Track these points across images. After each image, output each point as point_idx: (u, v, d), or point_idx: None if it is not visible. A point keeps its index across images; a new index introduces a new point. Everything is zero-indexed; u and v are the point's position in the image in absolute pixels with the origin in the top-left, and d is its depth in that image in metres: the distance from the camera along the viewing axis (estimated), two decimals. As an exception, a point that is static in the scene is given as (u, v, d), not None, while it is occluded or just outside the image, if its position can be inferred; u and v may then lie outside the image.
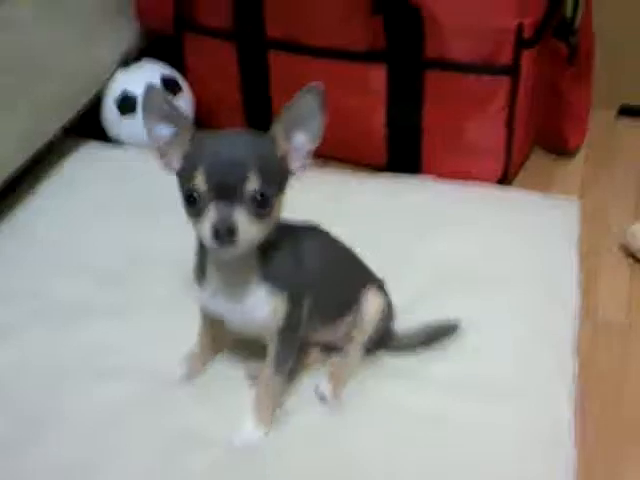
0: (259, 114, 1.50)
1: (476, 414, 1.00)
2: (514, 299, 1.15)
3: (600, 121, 1.58)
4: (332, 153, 1.43)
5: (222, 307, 0.93)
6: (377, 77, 1.38)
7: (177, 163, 0.86)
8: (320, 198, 1.30)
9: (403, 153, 1.43)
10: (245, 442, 0.96)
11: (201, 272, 0.92)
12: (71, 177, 1.43)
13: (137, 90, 1.43)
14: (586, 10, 1.41)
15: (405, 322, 1.08)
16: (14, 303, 1.17)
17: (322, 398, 1.00)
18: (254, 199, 0.83)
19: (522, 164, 1.47)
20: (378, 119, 1.41)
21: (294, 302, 0.93)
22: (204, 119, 1.54)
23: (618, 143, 1.56)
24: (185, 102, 1.49)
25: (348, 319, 1.03)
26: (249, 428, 0.97)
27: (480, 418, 0.99)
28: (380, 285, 1.06)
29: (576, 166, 1.50)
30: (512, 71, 1.31)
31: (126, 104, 1.45)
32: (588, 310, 1.18)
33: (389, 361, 1.07)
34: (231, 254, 0.84)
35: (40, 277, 1.22)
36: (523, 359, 1.07)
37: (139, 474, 0.93)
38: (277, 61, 1.44)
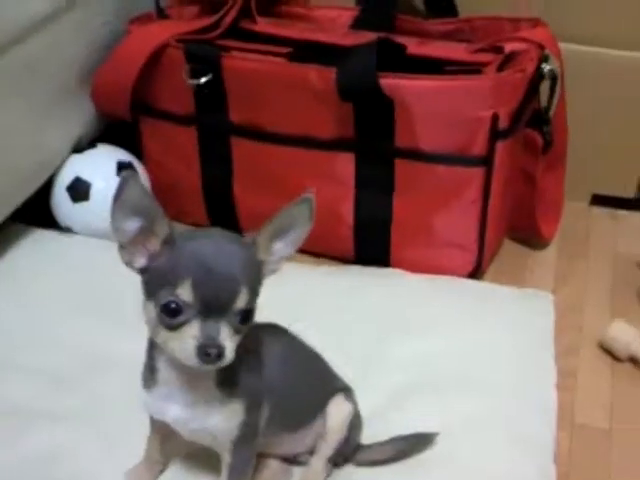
0: (219, 200, 1.51)
1: None
2: (489, 402, 1.14)
3: (573, 211, 1.61)
4: (298, 245, 1.45)
5: (173, 413, 0.90)
6: (345, 166, 1.39)
7: (144, 261, 0.84)
8: (283, 294, 1.25)
9: (371, 245, 1.44)
10: None
11: (151, 375, 0.90)
12: (16, 268, 1.39)
13: (90, 176, 1.43)
14: (560, 101, 1.45)
15: (374, 431, 1.06)
16: None
17: None
18: (241, 315, 0.83)
19: (494, 255, 1.48)
20: (346, 209, 1.42)
21: (250, 410, 0.91)
22: (162, 204, 1.54)
23: (591, 232, 1.60)
24: (142, 188, 1.49)
25: (312, 429, 1.00)
26: None
27: None
28: (347, 393, 1.03)
29: (550, 257, 1.53)
30: (486, 162, 1.33)
31: (78, 191, 1.44)
32: (566, 414, 1.17)
33: (356, 475, 1.04)
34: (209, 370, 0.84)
35: None
36: (500, 467, 1.05)
37: None
38: (240, 148, 1.45)
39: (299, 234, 0.87)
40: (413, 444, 1.05)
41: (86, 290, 1.35)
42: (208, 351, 0.79)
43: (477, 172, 1.34)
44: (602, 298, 1.43)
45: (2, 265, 1.40)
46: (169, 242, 0.83)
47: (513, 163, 1.40)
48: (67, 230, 1.49)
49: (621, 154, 1.63)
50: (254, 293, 0.84)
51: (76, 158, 1.48)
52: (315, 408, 1.00)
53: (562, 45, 1.46)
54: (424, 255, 1.42)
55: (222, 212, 1.52)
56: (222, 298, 0.82)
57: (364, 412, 1.05)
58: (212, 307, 0.81)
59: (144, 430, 1.01)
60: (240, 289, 0.82)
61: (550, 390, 1.18)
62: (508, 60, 1.36)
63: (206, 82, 1.40)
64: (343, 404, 1.01)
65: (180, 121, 1.48)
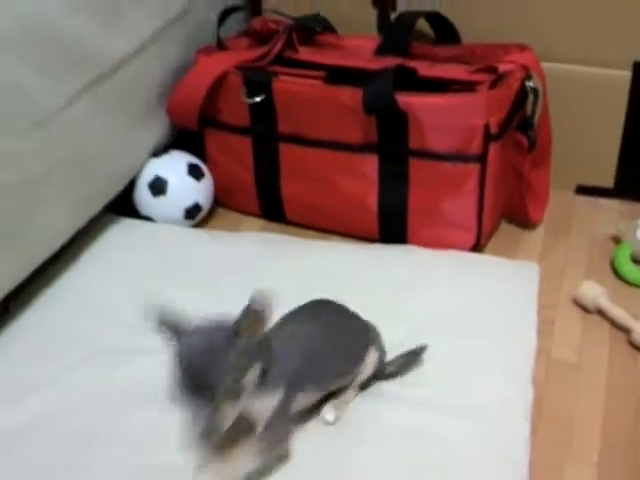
0: (269, 194, 1.89)
1: (448, 429, 1.32)
2: (483, 342, 1.49)
3: (560, 199, 1.95)
4: (334, 228, 1.85)
5: None
6: (370, 165, 1.73)
7: None
8: (323, 265, 1.70)
9: (392, 227, 1.78)
10: None
11: None
12: (107, 249, 1.76)
13: (166, 175, 1.83)
14: (544, 110, 1.80)
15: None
16: (64, 351, 1.50)
17: (327, 422, 1.34)
18: (228, 396, 1.09)
19: (491, 235, 1.83)
20: (371, 199, 1.77)
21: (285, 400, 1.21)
22: (223, 200, 1.97)
23: (574, 217, 1.92)
24: (207, 185, 1.89)
25: (353, 374, 1.36)
26: None
27: (451, 432, 1.31)
28: (378, 341, 1.39)
29: (537, 237, 1.85)
30: (481, 160, 1.66)
31: (158, 187, 1.83)
32: (544, 351, 1.52)
33: (378, 389, 1.41)
34: None
35: (86, 329, 1.55)
36: (489, 387, 1.39)
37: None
38: (286, 151, 1.81)
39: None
40: (411, 355, 1.42)
41: (163, 264, 1.73)
42: (203, 435, 1.08)
43: (474, 168, 1.67)
44: (579, 267, 1.75)
45: (98, 246, 1.77)
46: (178, 339, 1.11)
47: (504, 160, 1.73)
48: (147, 219, 1.87)
49: (600, 151, 1.96)
50: (239, 376, 1.09)
51: (154, 161, 1.86)
52: (355, 361, 1.34)
53: (547, 64, 1.81)
54: (434, 235, 1.75)
55: (270, 202, 1.90)
56: (203, 395, 1.06)
57: (386, 345, 1.42)
58: (199, 400, 1.07)
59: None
60: (216, 384, 1.06)
61: (531, 334, 1.53)
62: (499, 79, 1.69)
63: (259, 101, 1.77)
64: (374, 353, 1.37)
65: (238, 131, 1.85)
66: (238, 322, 1.09)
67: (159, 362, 1.40)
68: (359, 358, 1.36)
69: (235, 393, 1.09)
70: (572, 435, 1.38)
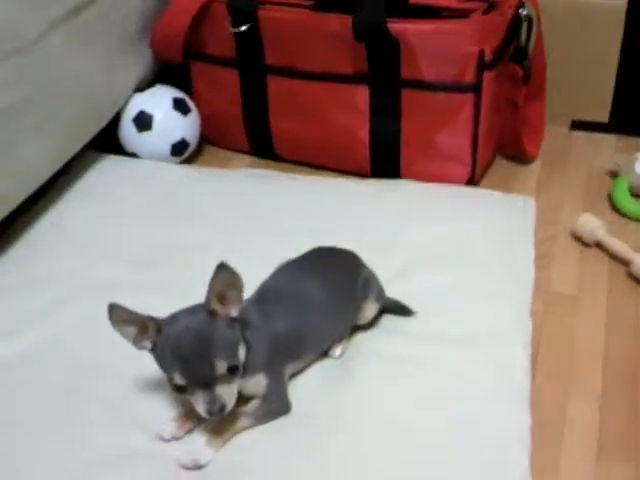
0: (257, 128, 1.85)
1: (449, 359, 1.30)
2: (480, 275, 1.47)
3: (555, 134, 1.94)
4: (325, 164, 1.81)
5: None
6: (361, 96, 1.70)
7: (149, 344, 1.13)
8: (316, 200, 1.66)
9: (385, 161, 1.75)
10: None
11: None
12: (94, 186, 1.74)
13: (152, 110, 1.79)
14: (538, 38, 1.76)
15: (389, 290, 1.39)
16: (57, 284, 1.48)
17: (334, 356, 1.31)
18: (228, 373, 1.10)
19: (486, 169, 1.80)
20: (363, 132, 1.74)
21: (273, 375, 1.20)
22: (210, 136, 1.92)
23: (570, 152, 1.91)
24: (193, 121, 1.85)
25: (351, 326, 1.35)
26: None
27: (451, 361, 1.30)
28: (376, 291, 1.35)
29: (533, 171, 1.84)
30: (475, 89, 1.64)
31: (143, 122, 1.79)
32: (542, 284, 1.50)
33: (377, 322, 1.38)
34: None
35: (77, 264, 1.53)
36: (488, 319, 1.38)
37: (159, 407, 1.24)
38: (274, 84, 1.78)
39: (238, 289, 1.12)
40: (397, 309, 1.39)
41: (151, 201, 1.70)
42: (213, 413, 1.09)
43: (468, 97, 1.64)
44: (576, 201, 1.73)
45: (84, 183, 1.74)
46: (160, 330, 1.11)
47: (499, 91, 1.70)
48: (133, 155, 1.84)
49: (596, 85, 1.93)
50: (232, 353, 1.11)
51: (139, 96, 1.82)
52: (351, 322, 1.33)
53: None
54: (428, 168, 1.73)
55: (260, 137, 1.86)
56: (205, 376, 1.08)
57: (382, 277, 1.38)
58: (202, 383, 1.09)
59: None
60: (215, 362, 1.08)
61: (528, 266, 1.51)
62: (492, 7, 1.66)
63: (245, 30, 1.72)
64: (373, 304, 1.34)
65: (224, 63, 1.81)
66: (208, 299, 1.11)
67: (156, 297, 1.38)
68: (357, 312, 1.34)
69: (233, 369, 1.11)
70: (574, 368, 1.36)
